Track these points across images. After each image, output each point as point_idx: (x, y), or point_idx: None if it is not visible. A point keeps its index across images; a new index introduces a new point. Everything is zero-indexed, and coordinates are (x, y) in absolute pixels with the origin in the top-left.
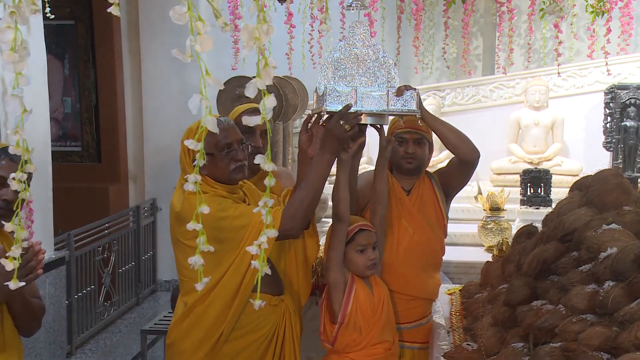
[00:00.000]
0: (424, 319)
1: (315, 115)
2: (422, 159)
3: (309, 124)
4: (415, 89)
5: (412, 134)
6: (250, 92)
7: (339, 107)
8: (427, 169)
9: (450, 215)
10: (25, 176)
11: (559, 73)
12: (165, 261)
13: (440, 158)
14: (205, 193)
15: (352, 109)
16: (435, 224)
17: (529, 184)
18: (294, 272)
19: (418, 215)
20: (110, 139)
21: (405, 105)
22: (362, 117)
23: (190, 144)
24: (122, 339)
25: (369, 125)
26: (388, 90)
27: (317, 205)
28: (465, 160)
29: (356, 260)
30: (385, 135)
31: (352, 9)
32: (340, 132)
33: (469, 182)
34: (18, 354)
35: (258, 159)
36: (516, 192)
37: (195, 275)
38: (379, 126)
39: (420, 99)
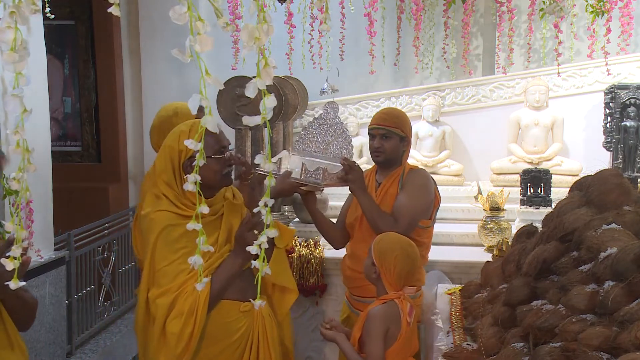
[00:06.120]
0: None
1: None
2: (389, 152)
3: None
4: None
5: (377, 129)
6: (250, 92)
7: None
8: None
9: (450, 215)
10: (25, 176)
11: (559, 73)
12: None
13: (440, 158)
14: (168, 211)
15: (278, 171)
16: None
17: (528, 184)
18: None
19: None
20: (110, 139)
21: (314, 178)
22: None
23: (191, 144)
24: (122, 339)
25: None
26: (303, 164)
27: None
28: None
29: None
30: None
31: (326, 93)
32: (252, 239)
33: (469, 183)
34: (24, 352)
35: (258, 159)
36: (516, 192)
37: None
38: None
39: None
